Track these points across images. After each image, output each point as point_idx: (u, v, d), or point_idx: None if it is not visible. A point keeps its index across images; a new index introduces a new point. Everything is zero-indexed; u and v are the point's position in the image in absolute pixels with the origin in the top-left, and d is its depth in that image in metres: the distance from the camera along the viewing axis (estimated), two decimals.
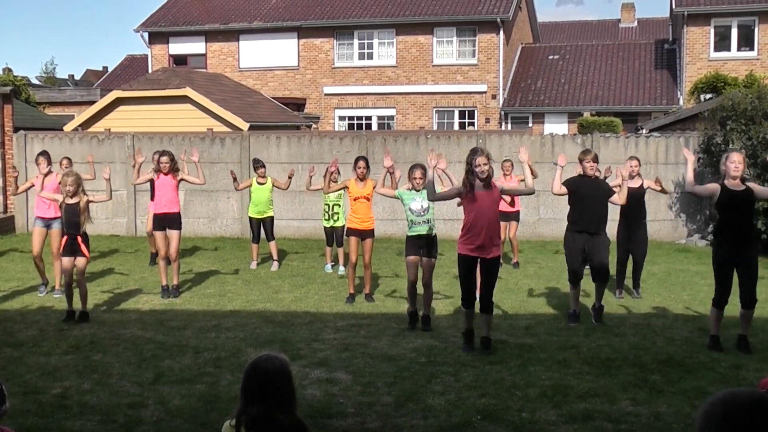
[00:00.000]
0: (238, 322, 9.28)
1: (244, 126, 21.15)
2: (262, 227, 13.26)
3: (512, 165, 13.15)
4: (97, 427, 5.96)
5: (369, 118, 29.37)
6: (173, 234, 10.78)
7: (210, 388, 6.84)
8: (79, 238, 9.44)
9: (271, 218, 13.36)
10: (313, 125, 28.00)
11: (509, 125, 28.28)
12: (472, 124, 28.37)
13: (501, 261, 7.84)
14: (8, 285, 11.64)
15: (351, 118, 29.51)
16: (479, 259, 7.83)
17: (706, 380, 7.01)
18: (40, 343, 8.31)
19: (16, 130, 18.05)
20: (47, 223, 11.00)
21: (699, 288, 11.40)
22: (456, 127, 28.42)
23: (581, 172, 9.18)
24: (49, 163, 11.19)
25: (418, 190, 9.06)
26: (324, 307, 10.20)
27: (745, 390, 2.21)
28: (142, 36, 30.89)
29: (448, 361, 7.66)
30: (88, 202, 9.54)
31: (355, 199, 10.44)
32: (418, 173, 9.04)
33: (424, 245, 9.03)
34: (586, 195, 9.05)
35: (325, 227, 13.00)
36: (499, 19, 27.58)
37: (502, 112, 28.34)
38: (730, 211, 7.88)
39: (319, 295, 10.95)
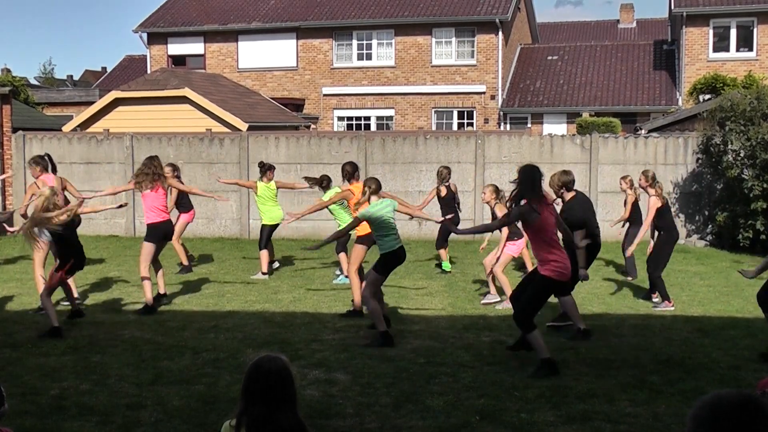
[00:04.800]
0: (237, 323, 9.28)
1: (243, 126, 21.14)
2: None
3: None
4: (96, 428, 5.95)
5: (368, 118, 29.36)
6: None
7: (209, 388, 6.84)
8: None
9: (262, 226, 12.74)
10: (312, 126, 28.00)
11: (508, 126, 28.29)
12: (471, 124, 28.37)
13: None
14: (7, 286, 11.63)
15: (350, 118, 29.51)
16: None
17: (705, 381, 7.00)
18: (39, 344, 8.29)
19: (14, 130, 18.05)
20: None
21: (698, 289, 11.41)
22: (455, 127, 28.42)
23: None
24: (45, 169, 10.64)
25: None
26: (323, 307, 10.20)
27: (732, 391, 2.22)
28: (140, 36, 30.88)
29: (447, 361, 7.66)
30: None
31: None
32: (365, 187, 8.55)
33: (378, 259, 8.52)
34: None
35: None
36: (498, 20, 27.57)
37: (501, 113, 28.35)
38: None
39: (317, 296, 10.94)
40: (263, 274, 12.43)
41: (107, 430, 5.93)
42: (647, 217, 10.32)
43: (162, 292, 10.49)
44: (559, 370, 7.19)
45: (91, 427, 5.98)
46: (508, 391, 6.75)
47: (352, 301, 9.84)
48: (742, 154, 14.66)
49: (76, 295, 9.97)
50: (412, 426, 5.99)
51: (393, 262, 8.39)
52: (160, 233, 10.06)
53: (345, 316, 9.60)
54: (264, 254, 12.47)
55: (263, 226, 12.62)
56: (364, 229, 9.40)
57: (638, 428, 5.95)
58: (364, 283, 8.57)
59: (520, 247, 10.26)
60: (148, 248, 9.98)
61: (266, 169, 12.59)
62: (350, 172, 10.23)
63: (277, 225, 12.70)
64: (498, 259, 10.15)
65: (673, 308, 10.10)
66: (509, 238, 10.10)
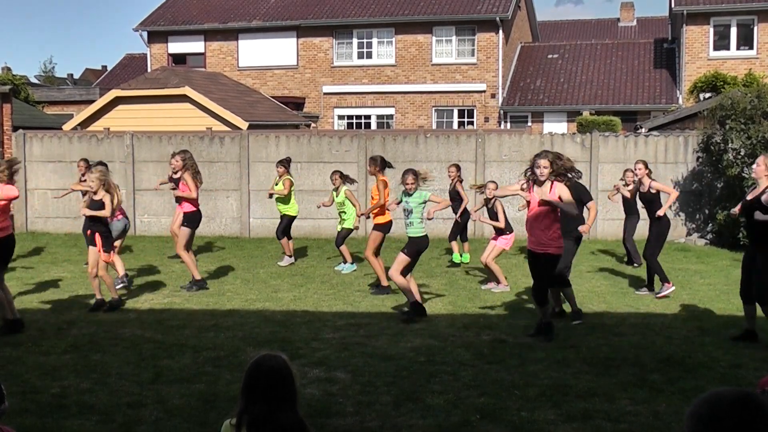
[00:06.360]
0: (237, 322, 9.28)
1: (244, 125, 21.14)
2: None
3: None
4: (96, 427, 5.95)
5: (368, 117, 29.37)
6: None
7: (209, 387, 6.84)
8: (97, 234, 9.76)
9: (283, 216, 13.63)
10: (312, 124, 28.00)
11: (508, 124, 28.30)
12: (472, 123, 28.38)
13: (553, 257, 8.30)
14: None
15: (350, 117, 29.52)
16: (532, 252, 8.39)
17: (706, 379, 7.00)
18: (39, 342, 8.30)
19: (15, 129, 18.04)
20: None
21: (698, 287, 11.41)
22: (455, 126, 28.43)
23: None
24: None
25: (410, 194, 9.50)
26: (323, 306, 10.20)
27: (730, 389, 2.21)
28: (141, 35, 30.89)
29: (447, 360, 7.66)
30: (111, 199, 9.77)
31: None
32: (409, 178, 9.43)
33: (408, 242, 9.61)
34: None
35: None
36: (498, 18, 27.57)
37: (502, 111, 28.35)
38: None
39: (318, 295, 10.94)
40: (289, 257, 13.40)
41: (108, 428, 5.93)
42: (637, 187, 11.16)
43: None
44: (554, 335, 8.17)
45: (92, 425, 5.98)
46: (509, 389, 6.75)
47: (377, 281, 11.03)
48: (742, 153, 14.65)
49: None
50: (412, 425, 5.99)
51: (417, 245, 9.39)
52: (197, 220, 11.47)
53: (374, 293, 10.77)
54: (285, 241, 13.39)
55: (283, 216, 13.55)
56: (381, 217, 10.88)
57: (638, 427, 5.94)
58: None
59: (510, 241, 11.19)
60: (185, 233, 11.30)
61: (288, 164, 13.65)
62: (381, 165, 11.12)
63: (295, 217, 13.73)
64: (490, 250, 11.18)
65: (673, 288, 10.56)
66: (501, 233, 11.11)
